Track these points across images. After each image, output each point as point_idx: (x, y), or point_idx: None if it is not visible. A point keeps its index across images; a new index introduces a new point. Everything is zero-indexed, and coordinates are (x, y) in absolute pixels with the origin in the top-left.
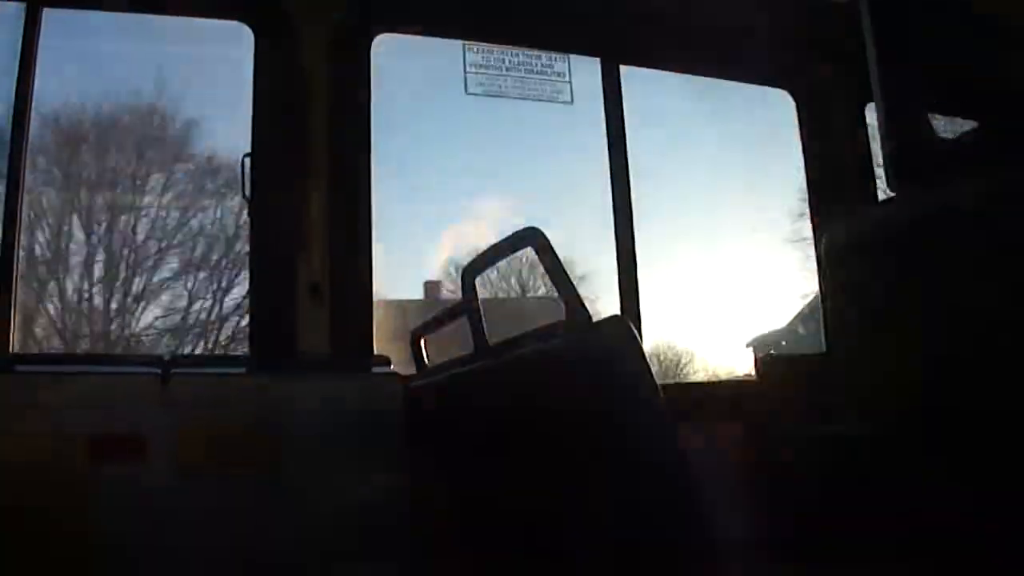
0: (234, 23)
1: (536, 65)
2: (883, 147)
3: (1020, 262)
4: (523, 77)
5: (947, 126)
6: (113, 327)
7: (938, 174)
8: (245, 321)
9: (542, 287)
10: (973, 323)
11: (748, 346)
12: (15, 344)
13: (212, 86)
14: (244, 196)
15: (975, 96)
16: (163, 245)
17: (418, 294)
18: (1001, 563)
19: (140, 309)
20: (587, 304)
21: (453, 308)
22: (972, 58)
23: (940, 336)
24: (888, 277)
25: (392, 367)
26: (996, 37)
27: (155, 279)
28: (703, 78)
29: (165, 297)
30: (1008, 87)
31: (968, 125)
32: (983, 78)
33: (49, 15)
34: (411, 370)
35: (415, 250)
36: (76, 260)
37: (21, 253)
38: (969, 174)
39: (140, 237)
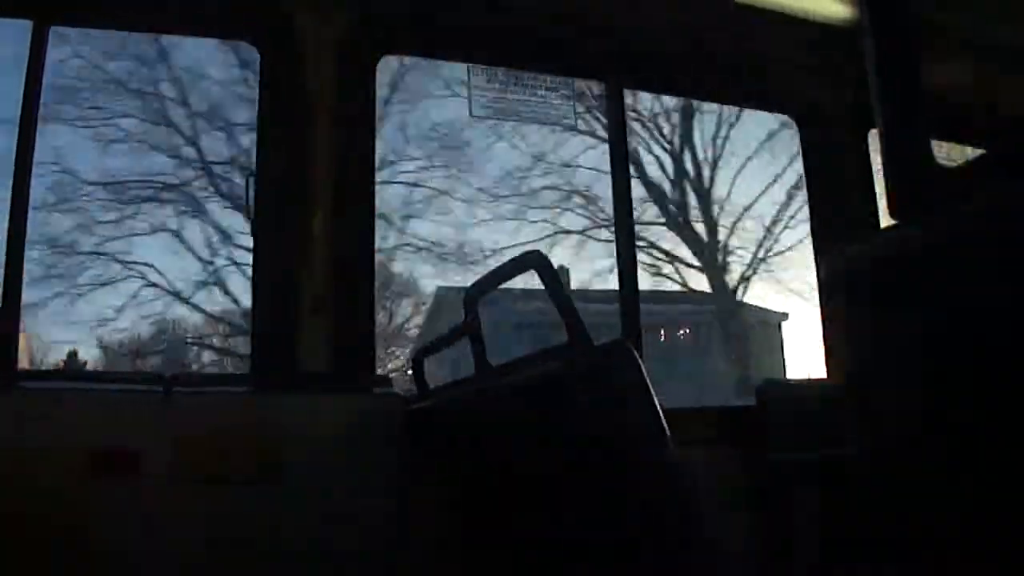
0: (240, 43)
1: (540, 88)
2: (884, 174)
3: (1022, 288)
4: (527, 99)
5: (948, 153)
6: None
7: (939, 201)
8: None
9: None
10: (974, 348)
11: None
12: (19, 360)
13: None
14: (247, 216)
15: (977, 123)
16: None
17: None
18: None
19: None
20: None
21: (455, 330)
22: (974, 86)
23: (941, 361)
24: (888, 303)
25: (393, 387)
26: (998, 65)
27: None
28: None
29: None
30: (1010, 114)
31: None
32: (985, 105)
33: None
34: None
35: None
36: None
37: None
38: (971, 201)
39: None
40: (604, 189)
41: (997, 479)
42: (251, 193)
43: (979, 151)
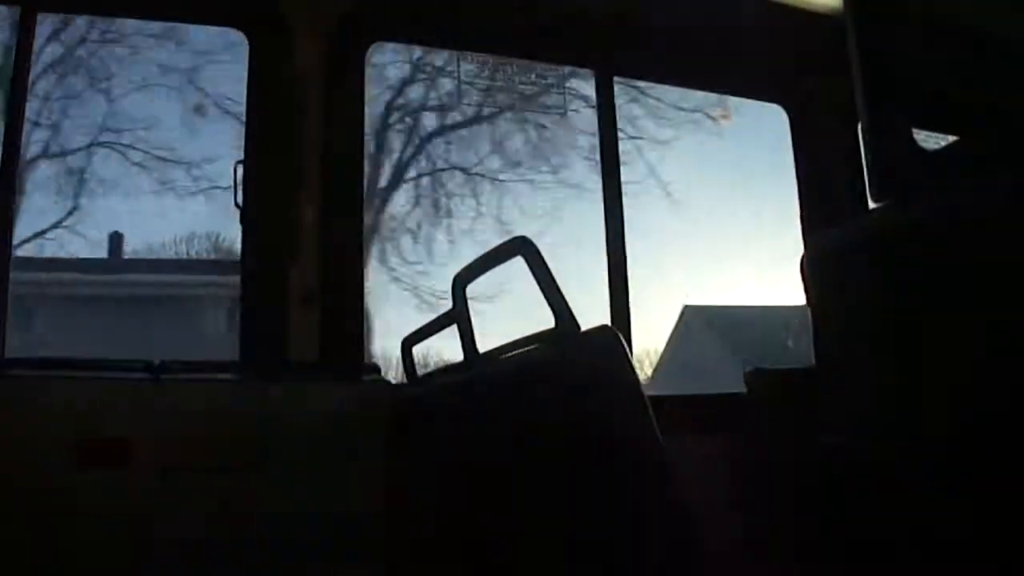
0: (229, 30)
1: (530, 77)
2: (866, 157)
3: (1004, 270)
4: (517, 88)
5: (930, 138)
6: None
7: (921, 186)
8: None
9: None
10: (958, 332)
11: None
12: (6, 348)
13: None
14: (236, 203)
15: (958, 109)
16: None
17: None
18: (994, 572)
19: None
20: None
21: (444, 316)
22: (955, 72)
23: (926, 346)
24: (872, 288)
25: (382, 374)
26: (979, 51)
27: None
28: None
29: None
30: (990, 100)
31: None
32: (965, 91)
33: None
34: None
35: None
36: None
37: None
38: (952, 186)
39: None
40: None
41: (988, 460)
42: (239, 181)
43: (959, 137)
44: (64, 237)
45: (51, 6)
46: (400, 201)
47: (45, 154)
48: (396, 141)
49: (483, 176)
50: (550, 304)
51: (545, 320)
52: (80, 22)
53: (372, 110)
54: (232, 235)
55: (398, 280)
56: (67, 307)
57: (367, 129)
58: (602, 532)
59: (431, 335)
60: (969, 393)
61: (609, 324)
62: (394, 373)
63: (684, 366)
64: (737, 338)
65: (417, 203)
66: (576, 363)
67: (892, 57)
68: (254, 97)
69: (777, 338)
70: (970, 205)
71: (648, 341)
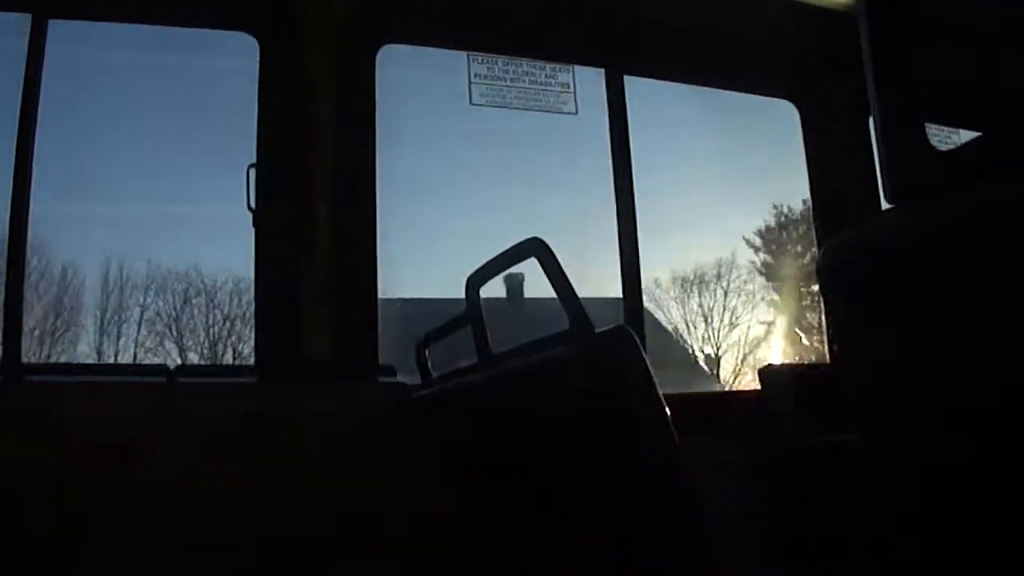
0: (240, 34)
1: (540, 76)
2: (881, 158)
3: (1019, 272)
4: (527, 88)
5: (944, 137)
6: None
7: (936, 185)
8: None
9: None
10: (973, 332)
11: None
12: (23, 353)
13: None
14: (249, 207)
15: (973, 108)
16: None
17: None
18: (999, 568)
19: None
20: None
21: (458, 317)
22: (971, 70)
23: (941, 345)
24: (888, 287)
25: (397, 376)
26: (995, 49)
27: None
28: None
29: None
30: (1006, 98)
31: (966, 136)
32: (981, 90)
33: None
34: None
35: None
36: None
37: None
38: (967, 185)
39: None
40: None
41: (997, 460)
42: (251, 184)
43: (976, 134)
44: None
45: (61, 13)
46: None
47: None
48: None
49: None
50: (564, 305)
51: None
52: None
53: None
54: None
55: None
56: None
57: None
58: (618, 530)
59: (445, 336)
60: (986, 394)
61: (623, 324)
62: None
63: None
64: None
65: None
66: (591, 363)
67: (906, 53)
68: (265, 99)
69: None
70: (986, 205)
71: None
